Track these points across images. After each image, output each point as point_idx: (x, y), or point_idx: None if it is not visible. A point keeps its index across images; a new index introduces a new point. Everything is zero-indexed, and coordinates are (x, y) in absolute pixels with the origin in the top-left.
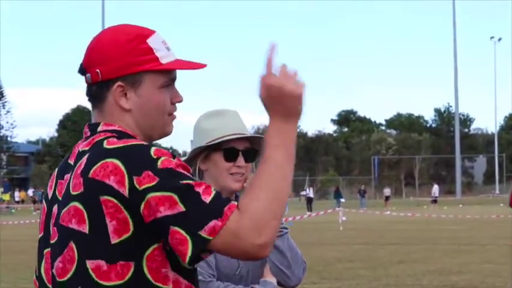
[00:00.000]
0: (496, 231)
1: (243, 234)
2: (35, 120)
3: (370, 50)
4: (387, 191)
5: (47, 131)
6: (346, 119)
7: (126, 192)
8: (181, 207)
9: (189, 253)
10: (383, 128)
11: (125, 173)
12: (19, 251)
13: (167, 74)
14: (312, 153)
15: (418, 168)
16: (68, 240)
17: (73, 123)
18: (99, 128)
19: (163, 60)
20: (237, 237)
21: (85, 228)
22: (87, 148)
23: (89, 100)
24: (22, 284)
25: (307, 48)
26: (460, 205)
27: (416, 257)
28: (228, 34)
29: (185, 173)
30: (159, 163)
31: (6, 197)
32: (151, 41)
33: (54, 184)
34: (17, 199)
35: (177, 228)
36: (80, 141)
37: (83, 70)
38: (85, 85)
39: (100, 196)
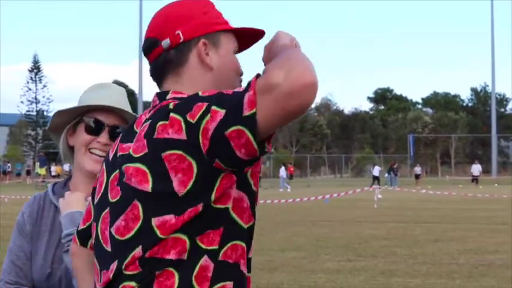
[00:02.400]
0: None
1: (274, 81)
2: (72, 95)
3: (408, 30)
4: (418, 169)
5: None
6: (382, 97)
7: (184, 135)
8: (222, 112)
9: (252, 139)
10: (419, 106)
11: (181, 119)
12: None
13: (235, 40)
14: (348, 131)
15: (454, 147)
16: (132, 199)
17: None
18: (168, 96)
19: (232, 25)
20: (271, 87)
21: (148, 188)
22: (152, 114)
23: (158, 72)
24: None
25: (345, 27)
26: (496, 184)
27: (452, 236)
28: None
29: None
30: (203, 94)
31: (43, 171)
32: (218, 9)
33: (116, 147)
34: (53, 173)
35: (228, 130)
36: (146, 110)
37: (152, 43)
38: (119, 63)
39: (162, 153)
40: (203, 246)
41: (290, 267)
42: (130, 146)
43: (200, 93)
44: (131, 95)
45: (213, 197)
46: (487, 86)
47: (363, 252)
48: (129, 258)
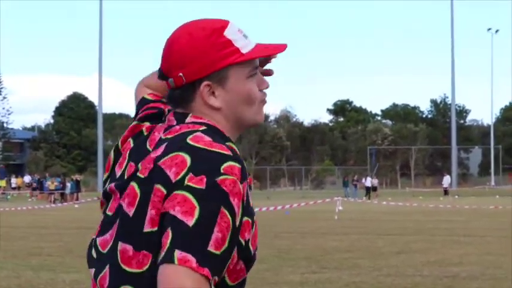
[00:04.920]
0: (495, 223)
1: None
2: (31, 106)
3: (367, 40)
4: (375, 182)
5: (43, 117)
6: (342, 108)
7: (173, 181)
8: (191, 222)
9: (158, 259)
10: (379, 118)
11: (187, 167)
12: (18, 237)
13: (250, 62)
14: (307, 143)
15: (414, 159)
16: (117, 217)
17: (69, 110)
18: (188, 119)
19: (244, 50)
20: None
21: (131, 212)
22: (170, 136)
23: (171, 103)
24: (23, 271)
25: (303, 37)
26: (456, 196)
27: (415, 248)
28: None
29: (231, 201)
30: (220, 178)
31: (3, 183)
32: (228, 33)
33: (125, 165)
34: (13, 185)
35: (170, 232)
36: (160, 126)
37: (163, 75)
38: (79, 74)
39: (155, 184)
40: None
41: (254, 280)
42: (139, 165)
43: (223, 166)
44: (91, 108)
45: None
46: (447, 97)
47: (326, 264)
48: (102, 274)
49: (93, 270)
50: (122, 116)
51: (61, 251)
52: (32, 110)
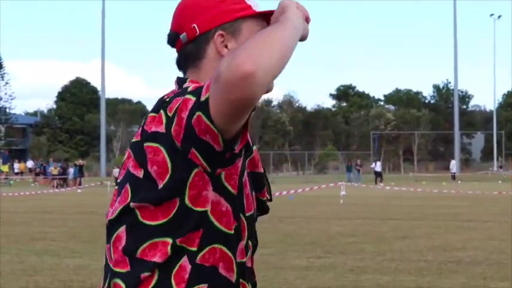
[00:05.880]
0: (497, 208)
1: (219, 69)
2: (34, 92)
3: (370, 26)
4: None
5: (46, 102)
6: (344, 93)
7: (163, 128)
8: (192, 100)
9: (210, 124)
10: (381, 103)
11: (163, 112)
12: (20, 222)
13: (261, 23)
14: (310, 128)
15: (417, 144)
16: (126, 182)
17: (72, 95)
18: (185, 84)
19: (256, 9)
20: (217, 75)
21: (140, 174)
22: (168, 95)
23: (181, 63)
24: (26, 256)
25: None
26: (459, 181)
27: (419, 233)
28: None
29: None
30: (192, 88)
31: (5, 168)
32: None
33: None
34: (16, 171)
35: (194, 117)
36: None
37: (173, 36)
38: (82, 60)
39: (144, 143)
40: (184, 247)
41: (259, 264)
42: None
43: (190, 88)
44: (93, 93)
45: (187, 192)
46: (449, 83)
47: (331, 249)
48: (114, 236)
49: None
50: (125, 101)
51: (65, 236)
52: (35, 95)
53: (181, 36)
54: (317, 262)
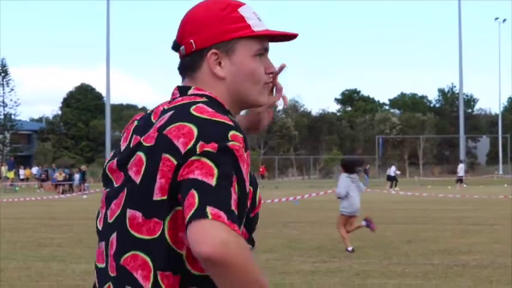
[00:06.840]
0: (503, 212)
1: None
2: (39, 98)
3: (375, 30)
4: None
5: (51, 109)
6: (349, 98)
7: (183, 152)
8: (213, 182)
9: (188, 218)
10: (386, 107)
11: (195, 136)
12: (26, 228)
13: (260, 42)
14: (315, 133)
15: (422, 148)
16: (124, 186)
17: (77, 101)
18: (190, 91)
19: (255, 28)
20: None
21: (137, 179)
22: (172, 106)
23: (181, 72)
24: (33, 262)
25: (312, 28)
26: (464, 185)
27: (424, 237)
28: None
29: (241, 166)
30: (230, 143)
31: (11, 174)
32: (242, 10)
33: (129, 139)
34: (21, 177)
35: (195, 193)
36: (165, 102)
37: (176, 45)
38: (87, 66)
39: (163, 153)
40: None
41: (264, 269)
42: (144, 136)
43: (229, 134)
44: (98, 99)
45: (166, 222)
46: (455, 86)
47: (336, 253)
48: (109, 241)
49: (102, 243)
50: (130, 107)
51: (71, 241)
52: (40, 101)
53: (180, 48)
54: (322, 266)
